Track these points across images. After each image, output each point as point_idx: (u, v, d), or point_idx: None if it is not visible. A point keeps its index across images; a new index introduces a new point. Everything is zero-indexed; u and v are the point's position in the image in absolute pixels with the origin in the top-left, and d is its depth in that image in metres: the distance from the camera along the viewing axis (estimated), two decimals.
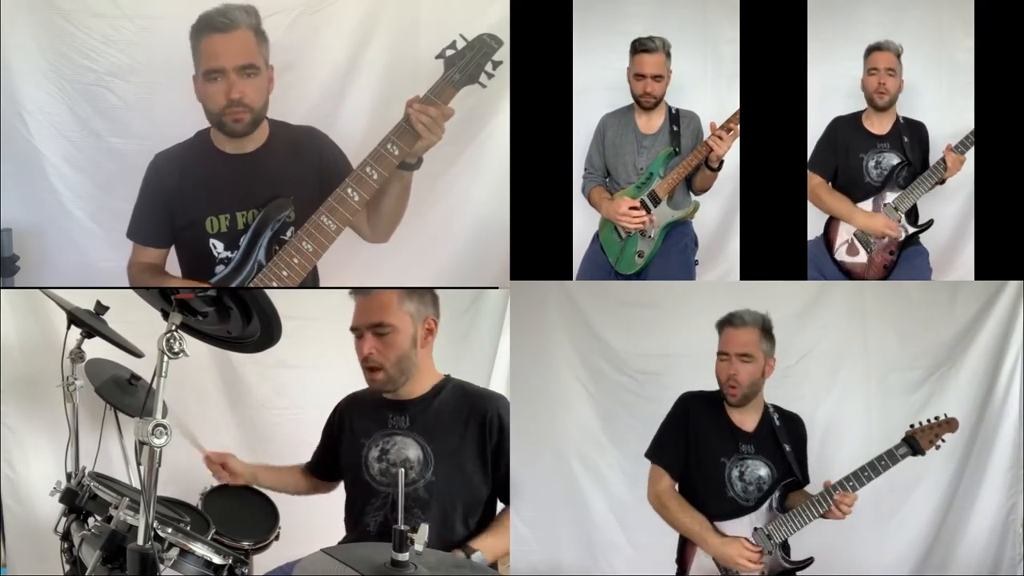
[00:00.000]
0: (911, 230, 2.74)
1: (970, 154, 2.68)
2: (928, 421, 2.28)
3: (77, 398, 2.34)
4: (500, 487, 2.17)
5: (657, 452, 2.43)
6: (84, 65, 2.61)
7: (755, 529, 2.29)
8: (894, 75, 2.72)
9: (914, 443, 2.26)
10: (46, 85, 2.62)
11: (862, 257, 2.77)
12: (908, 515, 2.90)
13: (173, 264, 2.48)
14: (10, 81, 2.60)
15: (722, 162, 2.62)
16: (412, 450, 2.14)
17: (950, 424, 2.27)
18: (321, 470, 2.37)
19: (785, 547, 2.31)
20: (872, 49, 2.74)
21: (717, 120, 2.61)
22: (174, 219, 2.38)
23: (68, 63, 2.61)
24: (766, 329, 2.36)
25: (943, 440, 2.27)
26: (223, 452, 2.41)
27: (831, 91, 2.81)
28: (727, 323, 2.36)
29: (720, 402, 2.39)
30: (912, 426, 2.29)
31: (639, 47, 2.65)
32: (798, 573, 2.32)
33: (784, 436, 2.36)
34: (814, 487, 2.35)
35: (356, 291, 2.16)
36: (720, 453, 2.35)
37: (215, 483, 2.45)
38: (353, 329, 2.14)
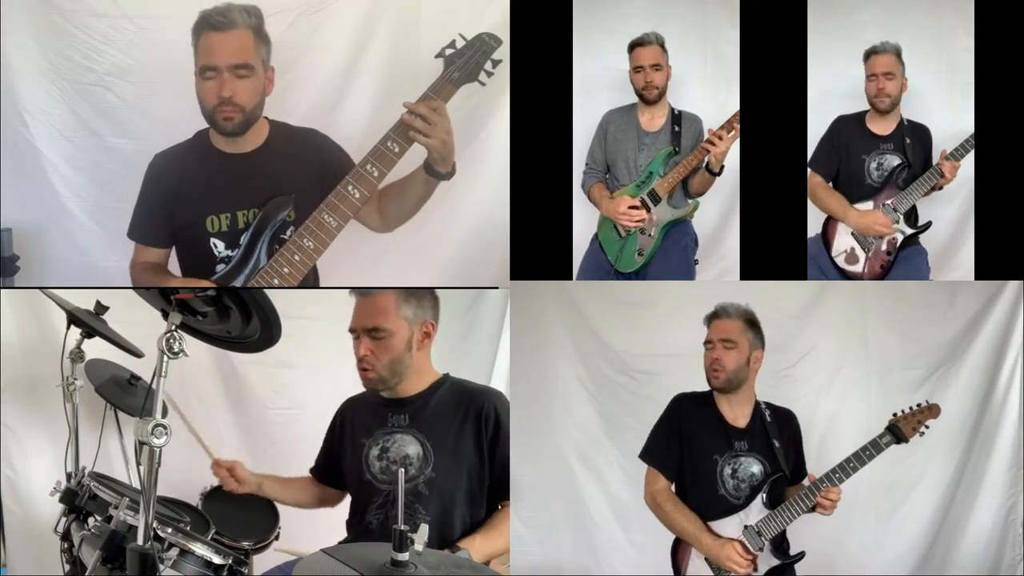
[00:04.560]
0: (909, 231, 2.74)
1: (970, 155, 2.68)
2: (911, 408, 2.29)
3: (77, 398, 2.34)
4: (498, 482, 2.18)
5: (650, 453, 2.43)
6: (84, 65, 2.61)
7: (745, 527, 2.29)
8: (893, 78, 2.71)
9: (897, 431, 2.27)
10: (46, 85, 2.62)
11: (860, 266, 2.77)
12: (908, 515, 2.90)
13: (174, 264, 2.48)
14: (10, 81, 2.60)
15: (723, 167, 2.62)
16: (412, 447, 2.15)
17: (932, 410, 2.28)
18: (325, 475, 2.36)
19: (781, 543, 2.32)
20: (869, 53, 2.73)
21: (717, 121, 2.62)
22: (173, 218, 2.38)
23: (68, 63, 2.61)
24: (750, 321, 2.38)
25: (926, 427, 2.28)
26: (231, 460, 2.40)
27: (831, 91, 2.81)
28: (714, 316, 2.40)
29: (712, 401, 2.40)
30: (895, 414, 2.30)
31: (635, 43, 2.70)
32: (795, 567, 2.33)
33: (774, 432, 2.36)
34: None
35: (356, 291, 2.17)
36: (713, 450, 2.35)
37: (215, 483, 2.44)
38: (351, 330, 2.16)
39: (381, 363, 2.12)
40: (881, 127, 2.77)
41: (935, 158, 2.71)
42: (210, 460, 2.41)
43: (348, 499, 2.31)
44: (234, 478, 2.36)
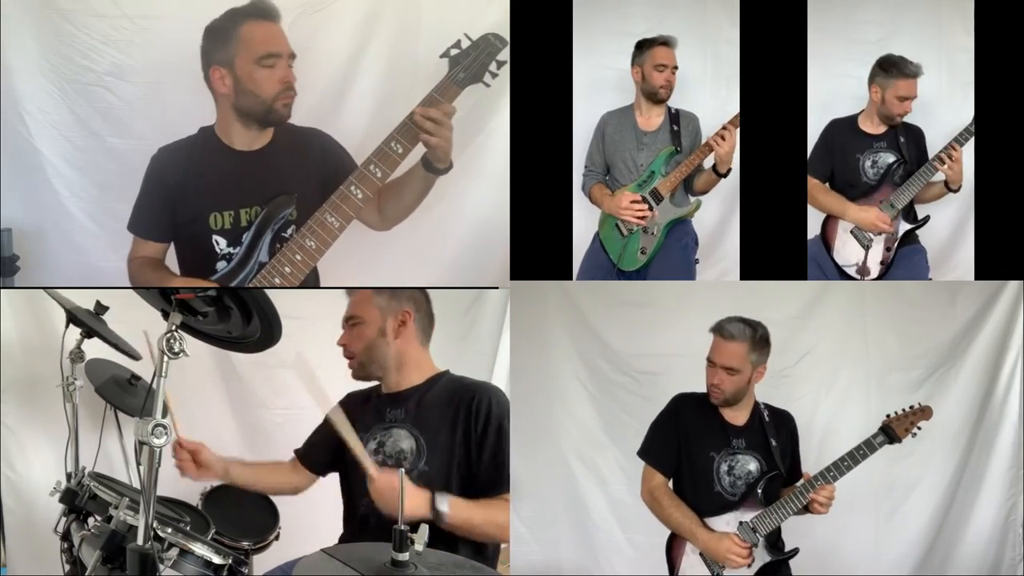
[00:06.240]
0: (907, 227, 2.74)
1: (970, 155, 2.68)
2: (904, 410, 2.31)
3: (77, 398, 2.34)
4: (489, 476, 2.12)
5: (648, 450, 2.44)
6: (84, 65, 2.61)
7: (740, 523, 2.30)
8: (911, 100, 2.70)
9: (890, 431, 2.29)
10: (46, 85, 2.62)
11: (862, 271, 2.78)
12: (908, 515, 2.90)
13: (171, 260, 2.47)
14: (10, 81, 2.60)
15: (730, 169, 2.63)
16: (406, 441, 2.16)
17: (924, 412, 2.31)
18: (310, 459, 2.34)
19: (776, 541, 2.32)
20: (900, 74, 2.66)
21: (717, 121, 2.62)
22: (176, 214, 2.38)
23: (68, 63, 2.61)
24: (758, 340, 2.34)
25: (919, 428, 2.30)
26: (195, 441, 2.23)
27: (831, 91, 2.81)
28: (718, 332, 2.36)
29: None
30: (888, 415, 2.31)
31: (660, 42, 2.68)
32: (790, 565, 2.34)
33: (772, 431, 2.37)
34: None
35: (351, 290, 2.22)
36: (710, 447, 2.36)
37: (215, 483, 2.44)
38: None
39: (357, 348, 2.20)
40: (874, 127, 2.77)
41: (930, 155, 2.71)
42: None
43: (322, 485, 2.32)
44: (197, 463, 2.22)
